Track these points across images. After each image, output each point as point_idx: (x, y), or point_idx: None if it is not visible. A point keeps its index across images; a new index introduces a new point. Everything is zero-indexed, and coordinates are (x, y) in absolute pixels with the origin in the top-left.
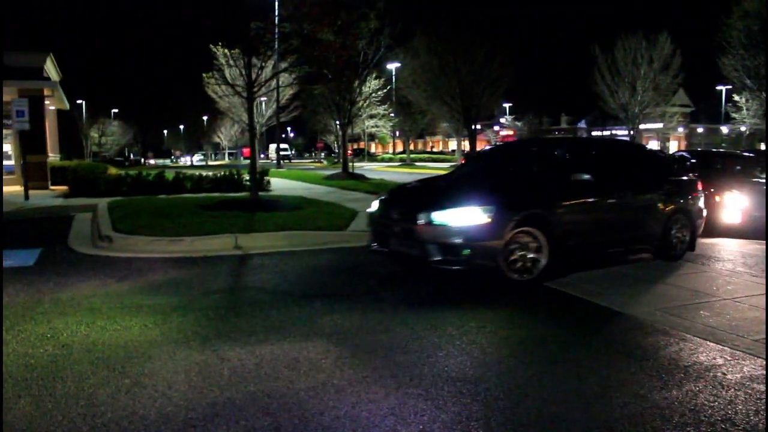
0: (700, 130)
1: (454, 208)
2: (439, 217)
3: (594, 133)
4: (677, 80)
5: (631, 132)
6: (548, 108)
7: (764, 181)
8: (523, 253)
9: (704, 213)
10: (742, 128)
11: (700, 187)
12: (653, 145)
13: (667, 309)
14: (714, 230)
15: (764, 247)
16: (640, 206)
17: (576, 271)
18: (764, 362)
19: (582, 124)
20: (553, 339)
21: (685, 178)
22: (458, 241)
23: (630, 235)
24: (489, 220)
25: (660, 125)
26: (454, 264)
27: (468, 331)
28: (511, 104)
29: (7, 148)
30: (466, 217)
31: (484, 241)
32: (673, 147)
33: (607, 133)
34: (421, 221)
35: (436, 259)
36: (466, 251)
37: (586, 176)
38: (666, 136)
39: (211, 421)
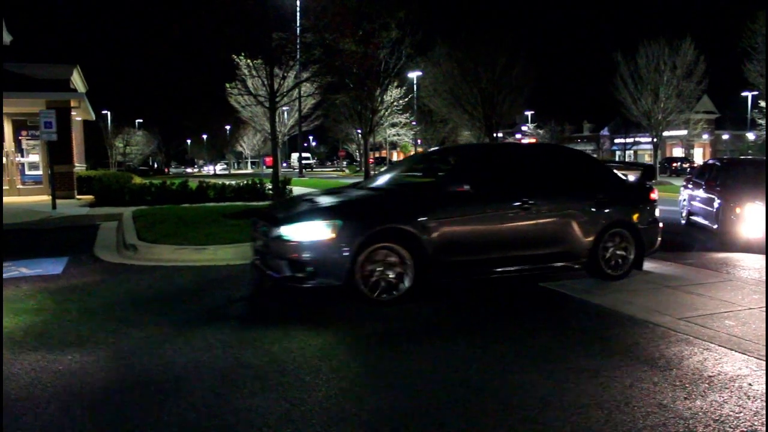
0: (725, 136)
1: (300, 222)
2: (287, 231)
3: (617, 141)
4: (701, 87)
5: (654, 139)
6: (570, 115)
7: None
8: (382, 271)
9: (660, 226)
10: None
11: (653, 196)
12: (677, 152)
13: (691, 318)
14: (732, 245)
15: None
16: (558, 219)
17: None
18: None
19: (605, 132)
20: (573, 348)
21: (629, 186)
22: (303, 257)
23: (543, 251)
24: (333, 235)
25: (684, 132)
26: (301, 282)
27: (490, 341)
28: (532, 112)
29: (35, 158)
30: (309, 232)
31: (328, 257)
32: (697, 154)
33: (630, 140)
34: (273, 235)
35: (285, 275)
36: (310, 268)
37: (467, 186)
38: (690, 143)
39: (234, 429)
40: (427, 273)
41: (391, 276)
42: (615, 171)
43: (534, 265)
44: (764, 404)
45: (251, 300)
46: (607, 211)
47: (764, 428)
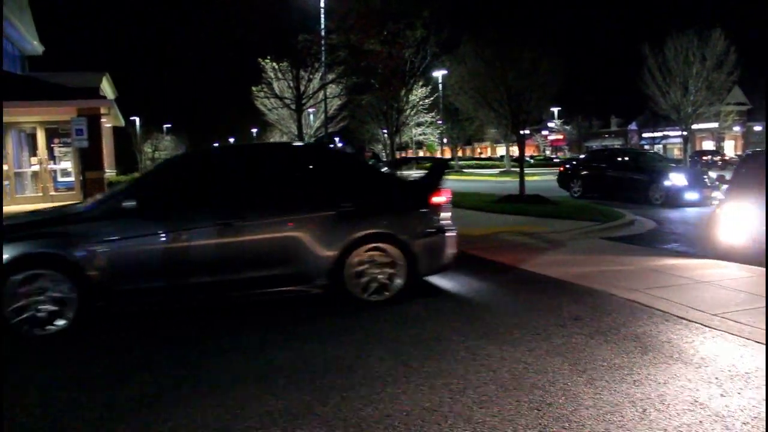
0: (757, 128)
1: None
2: None
3: (645, 135)
4: (732, 78)
5: (684, 132)
6: (598, 111)
7: None
8: (37, 303)
9: (448, 237)
10: None
11: (437, 200)
12: (707, 145)
13: (725, 313)
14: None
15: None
16: (278, 235)
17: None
18: None
19: (633, 126)
20: (607, 344)
21: (398, 189)
22: None
23: (258, 275)
24: None
25: (715, 125)
26: None
27: (521, 339)
28: (559, 108)
29: (67, 165)
30: None
31: None
32: (728, 147)
33: (658, 134)
34: None
35: None
36: None
37: (132, 202)
38: (721, 135)
39: (268, 429)
40: (97, 303)
41: (47, 309)
42: (383, 170)
43: (248, 290)
44: None
45: (278, 304)
46: (356, 221)
47: None
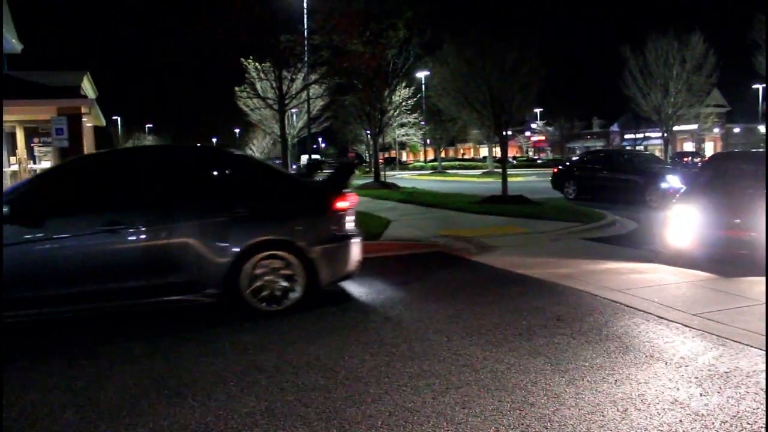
0: (736, 130)
1: None
2: None
3: (627, 136)
4: (711, 80)
5: (665, 134)
6: (580, 112)
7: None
8: None
9: (353, 243)
10: None
11: (340, 205)
12: (688, 147)
13: (705, 313)
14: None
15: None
16: (164, 241)
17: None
18: None
19: (615, 128)
20: (589, 344)
21: (299, 193)
22: None
23: (142, 284)
24: None
25: (695, 127)
26: None
27: (504, 340)
28: (542, 109)
29: (48, 164)
30: None
31: None
32: (708, 148)
33: (640, 135)
34: None
35: None
36: None
37: (5, 208)
38: (701, 137)
39: (251, 430)
40: None
41: None
42: (284, 173)
43: (133, 300)
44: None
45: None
46: (251, 228)
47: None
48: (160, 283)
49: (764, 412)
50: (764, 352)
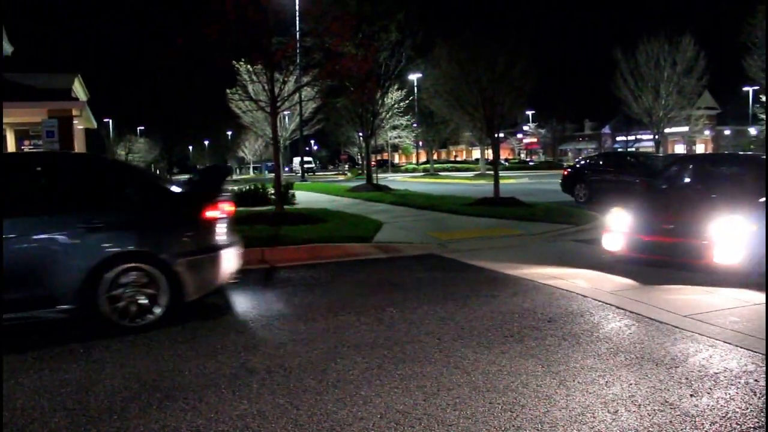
0: (727, 132)
1: None
2: None
3: (619, 139)
4: (702, 83)
5: (656, 136)
6: (571, 114)
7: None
8: None
9: (223, 256)
10: None
11: (211, 215)
12: (679, 149)
13: (696, 315)
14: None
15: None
16: (8, 255)
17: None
18: None
19: (606, 130)
20: (580, 345)
21: (163, 201)
22: None
23: None
24: None
25: (686, 129)
26: None
27: (495, 342)
28: (534, 111)
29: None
30: None
31: None
32: (699, 150)
33: (631, 138)
34: None
35: None
36: None
37: None
38: (692, 139)
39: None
40: None
41: None
42: (152, 180)
43: None
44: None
45: (256, 306)
46: (108, 239)
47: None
48: (6, 298)
49: (755, 414)
50: (764, 355)
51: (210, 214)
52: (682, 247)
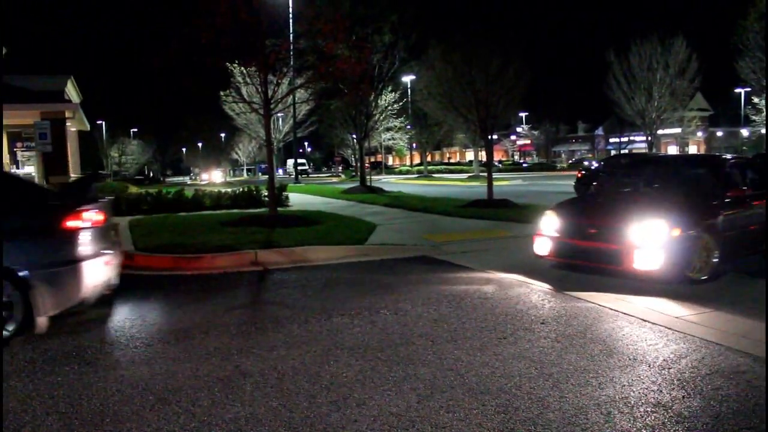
0: (719, 134)
1: None
2: None
3: (612, 140)
4: (694, 84)
5: (649, 138)
6: (565, 116)
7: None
8: None
9: (79, 270)
10: (762, 131)
11: (72, 224)
12: (672, 150)
13: (685, 316)
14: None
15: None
16: None
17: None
18: None
19: (599, 132)
20: (573, 347)
21: (22, 208)
22: None
23: None
24: None
25: (678, 130)
26: None
27: (488, 344)
28: (527, 113)
29: (31, 169)
30: None
31: None
32: (692, 152)
33: (624, 139)
34: None
35: None
36: None
37: None
38: (685, 141)
39: None
40: None
41: None
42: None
43: None
44: (763, 400)
45: (250, 308)
46: None
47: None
48: None
49: (748, 414)
50: (765, 356)
51: (72, 224)
52: (604, 252)
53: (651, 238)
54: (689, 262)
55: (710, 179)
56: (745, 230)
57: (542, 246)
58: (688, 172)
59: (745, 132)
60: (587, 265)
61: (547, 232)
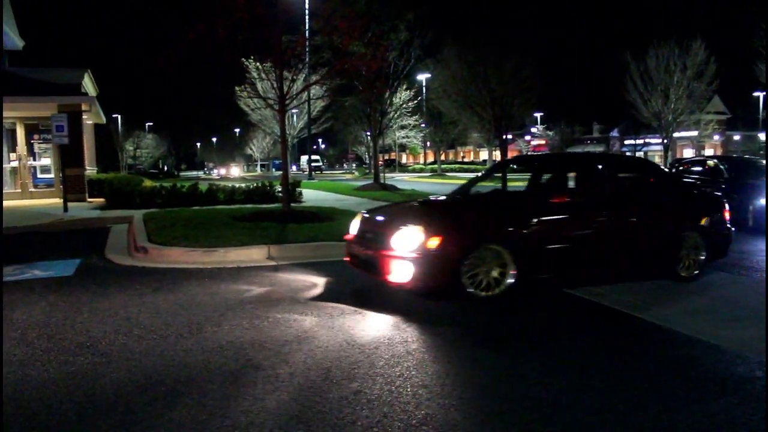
0: (736, 137)
1: None
2: None
3: (627, 142)
4: (712, 87)
5: (665, 140)
6: (580, 117)
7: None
8: None
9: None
10: None
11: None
12: (687, 153)
13: (703, 320)
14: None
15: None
16: None
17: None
18: None
19: (615, 133)
20: (586, 349)
21: None
22: None
23: None
24: None
25: (695, 133)
26: None
27: (510, 344)
28: (542, 113)
29: (47, 161)
30: None
31: None
32: (708, 155)
33: (640, 141)
34: None
35: None
36: None
37: None
38: (701, 144)
39: (246, 430)
40: None
41: None
42: None
43: None
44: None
45: (262, 302)
46: None
47: None
48: None
49: (761, 419)
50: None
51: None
52: (370, 260)
53: (403, 247)
54: (457, 276)
55: (551, 183)
56: (568, 246)
57: (348, 256)
58: (547, 173)
59: (762, 136)
60: (368, 274)
61: (349, 234)
